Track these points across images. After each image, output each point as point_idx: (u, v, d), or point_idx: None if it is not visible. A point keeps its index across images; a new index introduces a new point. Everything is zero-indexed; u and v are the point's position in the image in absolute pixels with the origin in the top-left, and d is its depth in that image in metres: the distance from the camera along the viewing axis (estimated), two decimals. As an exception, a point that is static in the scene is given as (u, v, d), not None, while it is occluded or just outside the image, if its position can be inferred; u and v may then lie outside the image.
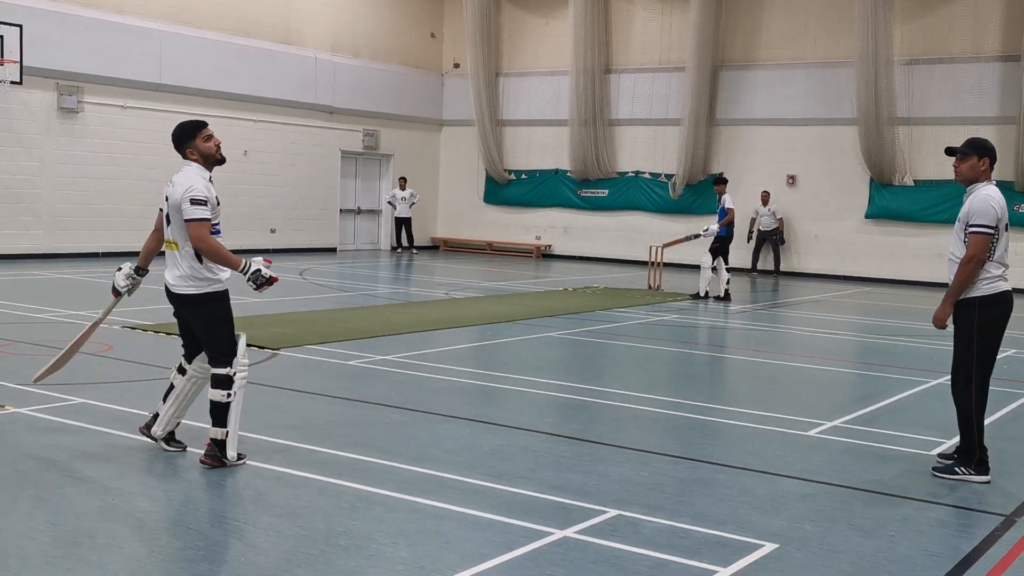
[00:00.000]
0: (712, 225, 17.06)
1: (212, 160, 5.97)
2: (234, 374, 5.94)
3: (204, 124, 6.04)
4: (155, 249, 6.29)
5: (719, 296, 16.81)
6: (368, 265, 22.64)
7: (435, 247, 28.32)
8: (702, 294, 16.89)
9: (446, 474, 5.96)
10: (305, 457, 6.23)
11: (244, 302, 14.27)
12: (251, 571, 4.42)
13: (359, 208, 26.75)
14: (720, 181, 17.53)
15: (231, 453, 5.95)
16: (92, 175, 19.91)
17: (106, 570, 4.38)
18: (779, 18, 23.61)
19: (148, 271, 6.41)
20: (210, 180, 5.97)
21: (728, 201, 16.97)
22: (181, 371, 6.20)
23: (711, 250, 17.04)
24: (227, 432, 5.93)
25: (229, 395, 5.93)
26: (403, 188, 26.17)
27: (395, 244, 26.70)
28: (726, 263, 17.05)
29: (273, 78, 23.40)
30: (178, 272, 5.90)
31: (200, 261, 5.85)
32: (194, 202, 5.75)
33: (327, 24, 24.91)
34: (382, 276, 20.73)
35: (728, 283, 16.91)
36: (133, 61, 20.54)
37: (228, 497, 5.46)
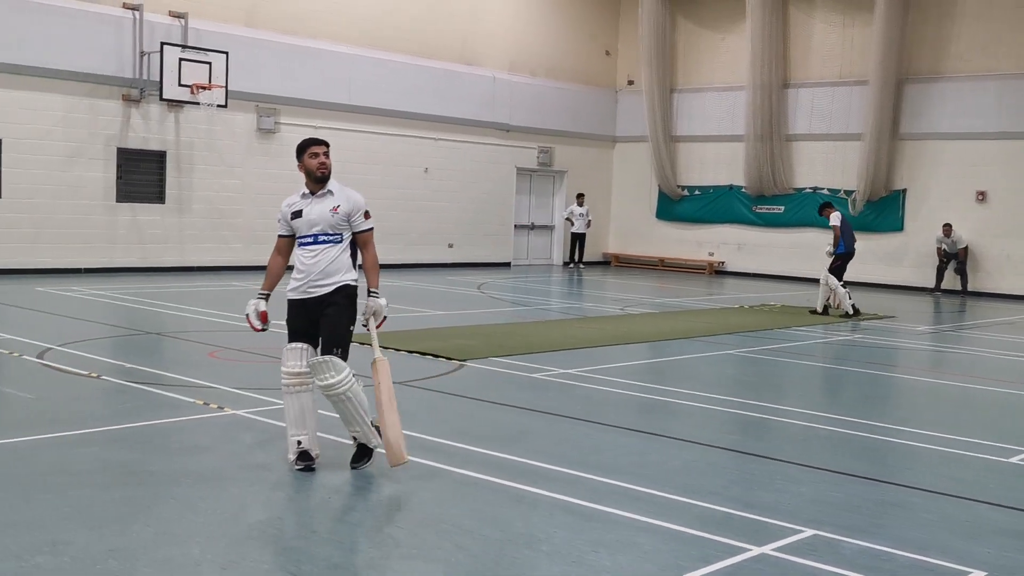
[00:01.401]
0: (828, 246, 16.68)
1: (312, 176, 6.26)
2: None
3: (316, 142, 6.32)
4: (364, 265, 6.50)
5: (814, 310, 16.55)
6: (542, 280, 23.02)
7: (607, 263, 28.50)
8: (819, 310, 16.54)
9: (638, 487, 6.11)
10: (500, 464, 6.50)
11: (426, 315, 14.81)
12: (461, 571, 4.69)
13: (532, 224, 27.22)
14: (825, 206, 17.22)
15: (288, 455, 6.26)
16: (286, 191, 20.91)
17: (330, 562, 4.73)
18: (970, 27, 22.73)
19: (370, 290, 6.38)
20: (313, 193, 6.25)
21: (834, 219, 16.65)
22: None
23: (832, 269, 16.61)
24: None
25: None
26: (580, 204, 26.55)
27: (568, 259, 27.09)
28: (839, 279, 16.56)
29: (454, 98, 24.15)
30: None
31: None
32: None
33: (506, 45, 25.53)
34: (556, 291, 21.05)
35: (827, 299, 16.56)
36: (325, 84, 21.66)
37: (433, 499, 5.76)
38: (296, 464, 6.19)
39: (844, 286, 16.62)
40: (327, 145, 6.37)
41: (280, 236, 6.36)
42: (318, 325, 6.24)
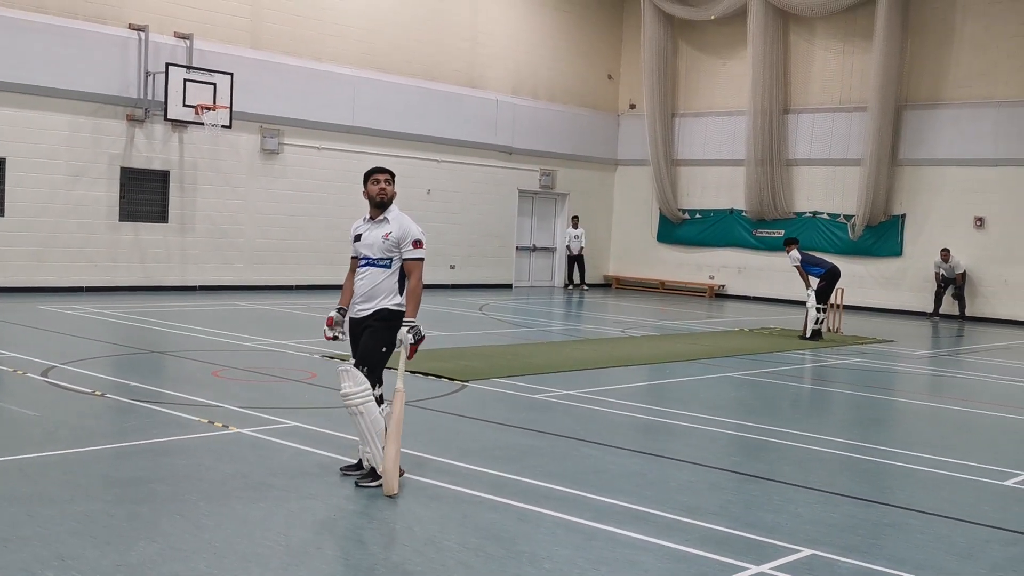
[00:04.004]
0: (809, 297, 16.68)
1: (372, 201, 6.65)
2: None
3: (379, 170, 6.69)
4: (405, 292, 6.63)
5: (803, 335, 16.58)
6: (543, 302, 23.10)
7: (607, 285, 28.60)
8: (808, 335, 16.57)
9: (639, 506, 6.18)
10: (503, 483, 6.57)
11: (428, 335, 14.80)
12: (465, 587, 4.76)
13: (534, 246, 27.35)
14: (786, 242, 17.33)
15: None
16: (289, 212, 21.20)
17: (336, 578, 4.81)
18: (968, 56, 22.92)
19: (403, 319, 6.55)
20: (372, 218, 6.65)
21: (792, 259, 16.84)
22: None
23: (817, 290, 16.69)
24: None
25: None
26: (576, 227, 26.73)
27: (567, 282, 27.24)
28: (823, 300, 16.61)
29: (457, 120, 24.34)
30: None
31: None
32: None
33: (509, 68, 25.74)
34: (557, 313, 21.12)
35: (818, 323, 16.59)
36: (328, 105, 21.82)
37: (437, 518, 5.82)
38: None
39: (823, 310, 16.69)
40: (390, 173, 6.72)
41: (352, 256, 6.76)
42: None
